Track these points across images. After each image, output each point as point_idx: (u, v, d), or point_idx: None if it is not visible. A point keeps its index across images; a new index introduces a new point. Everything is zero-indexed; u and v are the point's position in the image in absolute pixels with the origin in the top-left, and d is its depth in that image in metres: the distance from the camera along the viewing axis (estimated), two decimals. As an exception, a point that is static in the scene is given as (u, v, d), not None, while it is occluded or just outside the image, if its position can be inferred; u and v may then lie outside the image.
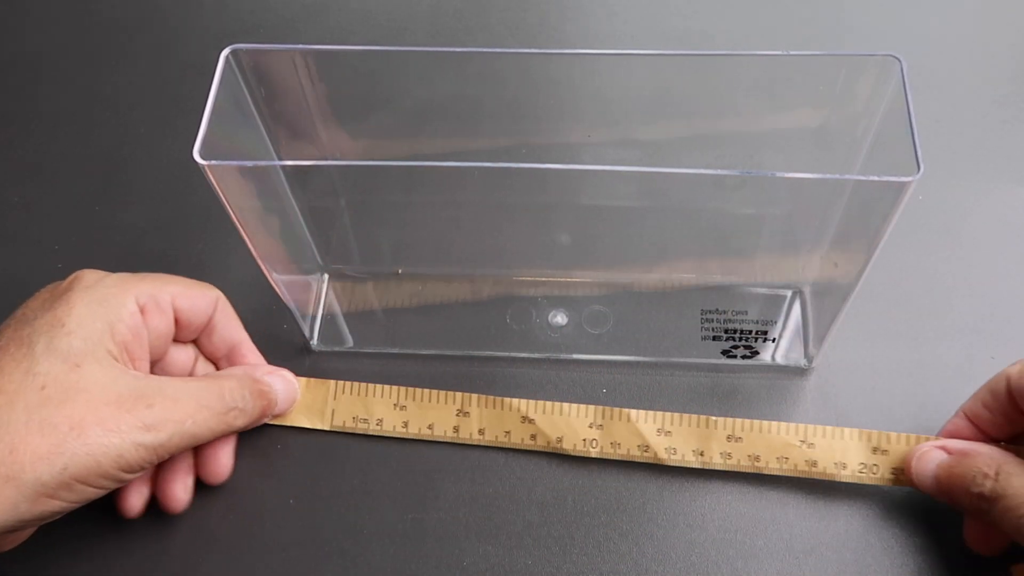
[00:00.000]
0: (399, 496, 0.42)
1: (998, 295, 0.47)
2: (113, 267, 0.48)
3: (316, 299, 0.48)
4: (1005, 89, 0.55)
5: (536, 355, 0.46)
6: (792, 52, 0.38)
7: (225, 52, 0.37)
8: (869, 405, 0.44)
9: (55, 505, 0.34)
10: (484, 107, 0.45)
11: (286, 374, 0.44)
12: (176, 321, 0.40)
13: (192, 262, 0.49)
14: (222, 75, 0.37)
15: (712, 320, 0.46)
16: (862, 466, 0.41)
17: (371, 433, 0.44)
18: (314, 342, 0.47)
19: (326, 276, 0.49)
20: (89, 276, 0.38)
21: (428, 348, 0.46)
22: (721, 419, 0.42)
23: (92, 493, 0.35)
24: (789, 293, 0.47)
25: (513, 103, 0.46)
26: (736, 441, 0.42)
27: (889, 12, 0.59)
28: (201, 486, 0.42)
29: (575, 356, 0.46)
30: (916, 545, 0.40)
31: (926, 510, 0.41)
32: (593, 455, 0.42)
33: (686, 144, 0.44)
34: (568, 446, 0.42)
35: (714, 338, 0.46)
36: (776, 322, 0.46)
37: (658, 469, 0.43)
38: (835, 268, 0.43)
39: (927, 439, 0.40)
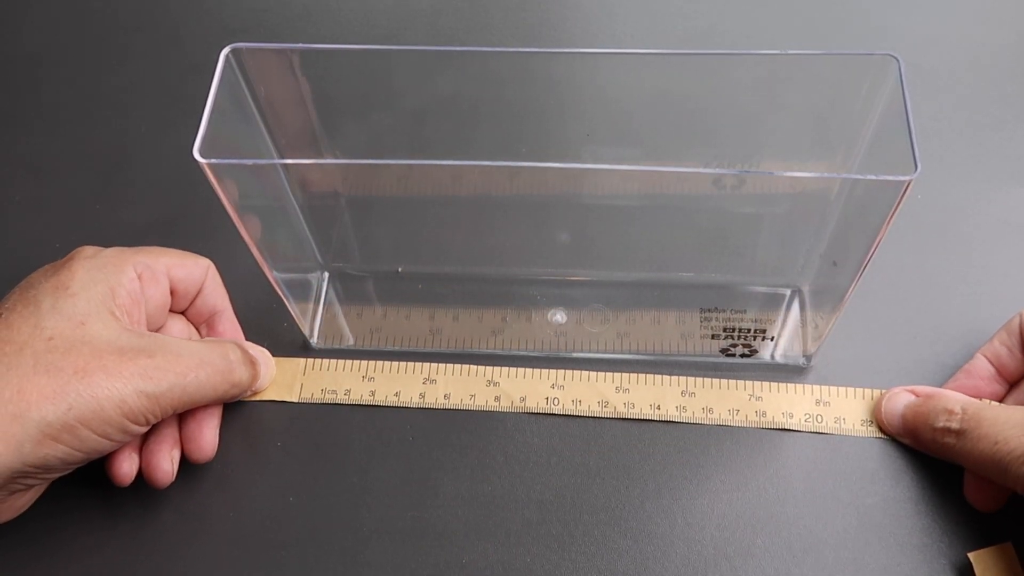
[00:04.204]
0: (399, 494, 0.42)
1: (997, 295, 0.47)
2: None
3: (316, 297, 0.48)
4: (1004, 89, 0.55)
5: (536, 353, 0.46)
6: (791, 52, 0.38)
7: (225, 51, 0.37)
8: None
9: (59, 450, 0.35)
10: (484, 107, 0.45)
11: (265, 351, 0.45)
12: (172, 291, 0.42)
13: (192, 260, 0.49)
14: (222, 74, 0.37)
15: (711, 319, 0.46)
16: (807, 415, 0.44)
17: (338, 403, 0.45)
18: (314, 340, 0.47)
19: (326, 274, 0.49)
20: (88, 249, 0.40)
21: (428, 347, 0.46)
22: (675, 377, 0.45)
23: (95, 442, 0.36)
24: (788, 292, 0.47)
25: (513, 102, 0.46)
26: (690, 396, 0.44)
27: (889, 12, 0.59)
28: (197, 483, 0.42)
29: (575, 354, 0.46)
30: (914, 544, 0.41)
31: (925, 509, 0.41)
32: (556, 412, 0.44)
33: (686, 144, 0.44)
34: (532, 404, 0.44)
35: (713, 336, 0.46)
36: (775, 321, 0.46)
37: (657, 467, 0.43)
38: (834, 267, 0.43)
39: (869, 392, 0.44)
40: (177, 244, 0.43)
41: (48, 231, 0.51)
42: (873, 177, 0.34)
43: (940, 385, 0.43)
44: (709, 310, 0.47)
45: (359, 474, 0.43)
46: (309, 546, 0.41)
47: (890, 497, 0.42)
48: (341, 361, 0.46)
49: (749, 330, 0.46)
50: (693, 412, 0.44)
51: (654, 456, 0.43)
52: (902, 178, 0.33)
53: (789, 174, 0.36)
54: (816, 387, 0.44)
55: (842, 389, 0.44)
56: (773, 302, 0.47)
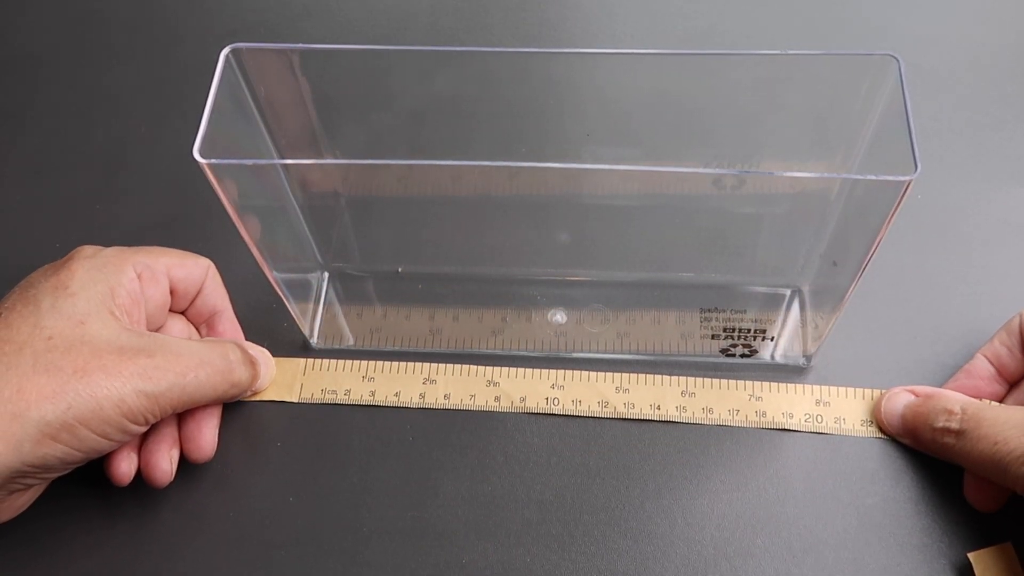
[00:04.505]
0: (399, 494, 0.42)
1: (997, 295, 0.47)
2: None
3: (316, 297, 0.48)
4: (1004, 89, 0.55)
5: (536, 353, 0.46)
6: (791, 52, 0.38)
7: (225, 51, 0.37)
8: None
9: (58, 449, 0.35)
10: (484, 107, 0.45)
11: (265, 351, 0.45)
12: (172, 291, 0.42)
13: (192, 260, 0.49)
14: (222, 74, 0.37)
15: (711, 319, 0.46)
16: (807, 416, 0.44)
17: (338, 403, 0.45)
18: (314, 340, 0.47)
19: (326, 274, 0.49)
20: (88, 249, 0.40)
21: (428, 347, 0.46)
22: (675, 377, 0.45)
23: (94, 441, 0.36)
24: (788, 292, 0.47)
25: (513, 103, 0.46)
26: (690, 396, 0.44)
27: (889, 12, 0.59)
28: (196, 483, 0.42)
29: (574, 354, 0.46)
30: (914, 544, 0.41)
31: (925, 509, 0.41)
32: (556, 412, 0.44)
33: (686, 144, 0.44)
34: (532, 404, 0.44)
35: (713, 336, 0.46)
36: (775, 321, 0.46)
37: (657, 467, 0.43)
38: (834, 267, 0.43)
39: (869, 392, 0.44)
40: (177, 244, 0.43)
41: (48, 231, 0.51)
42: (873, 177, 0.34)
43: (940, 385, 0.43)
44: (709, 310, 0.47)
45: (359, 474, 0.43)
46: (309, 546, 0.41)
47: (890, 497, 0.42)
48: (341, 361, 0.46)
49: (749, 330, 0.46)
50: (693, 412, 0.44)
51: (654, 456, 0.43)
52: (902, 178, 0.33)
53: (789, 174, 0.36)
54: (816, 387, 0.44)
55: (842, 389, 0.44)
56: (773, 302, 0.47)
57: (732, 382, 0.45)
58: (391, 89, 0.44)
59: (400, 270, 0.49)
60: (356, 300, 0.49)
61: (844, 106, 0.39)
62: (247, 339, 0.45)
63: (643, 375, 0.45)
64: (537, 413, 0.44)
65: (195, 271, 0.43)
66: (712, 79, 0.41)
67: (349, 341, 0.47)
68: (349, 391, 0.45)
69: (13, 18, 0.61)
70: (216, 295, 0.44)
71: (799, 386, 0.44)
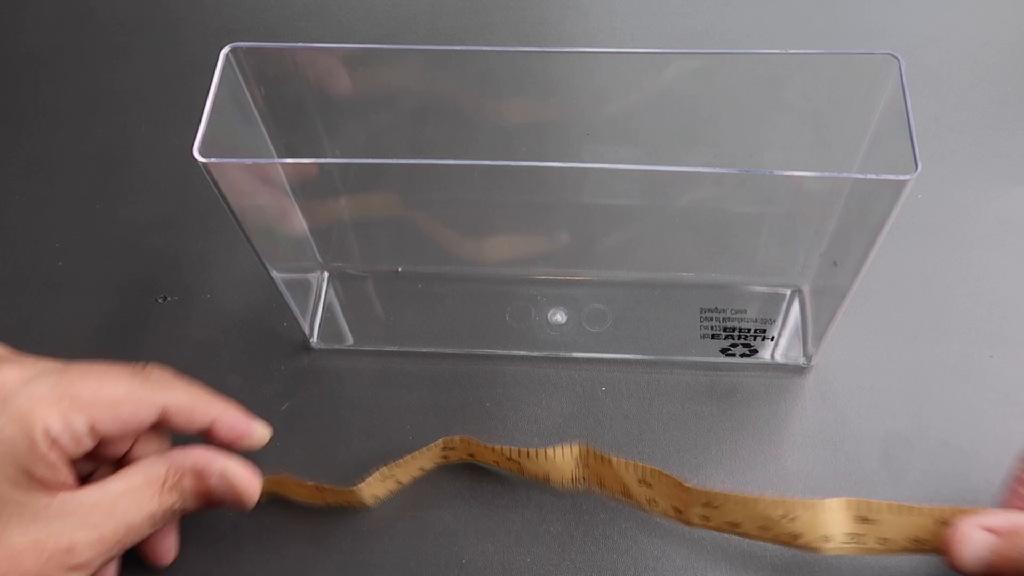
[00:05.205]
0: (399, 494, 0.42)
1: (997, 294, 0.47)
2: (114, 265, 0.48)
3: (316, 297, 0.48)
4: (1005, 88, 0.55)
5: (536, 353, 0.46)
6: (791, 51, 0.38)
7: (225, 50, 0.37)
8: (868, 404, 0.44)
9: None
10: (484, 106, 0.45)
11: (242, 467, 0.38)
12: (100, 441, 0.36)
13: (192, 259, 0.49)
14: (222, 73, 0.37)
15: (711, 318, 0.46)
16: (847, 536, 0.37)
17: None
18: (314, 340, 0.47)
19: (326, 274, 0.49)
20: None
21: (428, 346, 0.47)
22: (696, 489, 0.38)
23: None
24: (788, 291, 0.47)
25: (513, 102, 0.46)
26: (713, 508, 0.38)
27: (889, 12, 0.59)
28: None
29: (574, 354, 0.46)
30: (915, 543, 0.40)
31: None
32: (581, 490, 0.41)
33: (686, 143, 0.44)
34: (555, 482, 0.41)
35: (713, 336, 0.46)
36: (775, 320, 0.46)
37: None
38: (834, 267, 0.43)
39: (918, 508, 0.37)
40: (177, 244, 0.43)
41: (48, 231, 0.51)
42: (873, 177, 0.34)
43: (992, 497, 0.40)
44: (709, 310, 0.47)
45: (359, 474, 0.43)
46: (309, 546, 0.41)
47: (891, 497, 0.42)
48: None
49: (749, 330, 0.46)
50: (718, 524, 0.38)
51: (655, 457, 0.43)
52: (902, 178, 0.33)
53: (789, 174, 0.36)
54: (860, 501, 0.37)
55: (884, 503, 0.37)
56: (773, 302, 0.47)
57: (760, 498, 0.37)
58: (391, 89, 0.44)
59: (400, 270, 0.49)
60: (356, 300, 0.49)
61: (844, 106, 0.39)
62: (246, 339, 0.45)
63: (664, 473, 0.39)
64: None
65: (136, 415, 0.36)
66: (712, 79, 0.41)
67: (349, 341, 0.47)
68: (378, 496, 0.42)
69: (13, 18, 0.61)
70: (195, 417, 0.38)
71: (838, 501, 0.37)
